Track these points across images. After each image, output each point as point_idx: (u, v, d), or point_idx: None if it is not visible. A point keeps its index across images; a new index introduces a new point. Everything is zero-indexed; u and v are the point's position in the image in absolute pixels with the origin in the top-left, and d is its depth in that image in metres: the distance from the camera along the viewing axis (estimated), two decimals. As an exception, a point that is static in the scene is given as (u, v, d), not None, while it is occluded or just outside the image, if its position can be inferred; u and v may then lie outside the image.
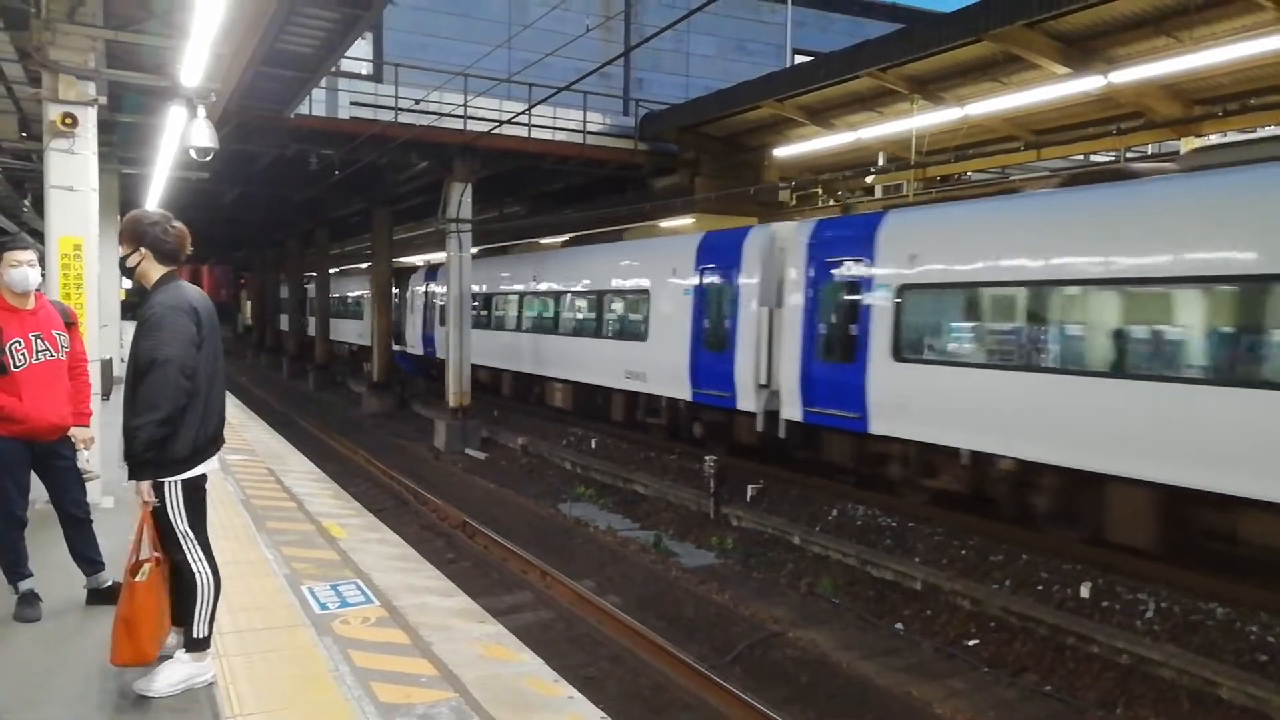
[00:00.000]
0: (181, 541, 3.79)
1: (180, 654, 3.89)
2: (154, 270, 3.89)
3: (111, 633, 3.73)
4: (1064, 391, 8.61)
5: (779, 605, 9.05)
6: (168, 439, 3.66)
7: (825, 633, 8.29)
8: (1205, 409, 7.57)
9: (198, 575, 3.81)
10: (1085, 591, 8.22)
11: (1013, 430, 9.11)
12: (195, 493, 3.85)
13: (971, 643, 8.04)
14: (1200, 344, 7.89)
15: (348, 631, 4.83)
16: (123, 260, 3.92)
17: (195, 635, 3.85)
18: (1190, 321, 8.06)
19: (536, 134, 17.74)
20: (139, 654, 3.74)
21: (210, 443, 3.87)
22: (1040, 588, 8.54)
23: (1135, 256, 8.15)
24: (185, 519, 3.78)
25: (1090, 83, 11.67)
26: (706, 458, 12.38)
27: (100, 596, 4.87)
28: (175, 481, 3.74)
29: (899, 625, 8.56)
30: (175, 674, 3.84)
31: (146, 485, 3.69)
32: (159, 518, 3.77)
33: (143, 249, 3.87)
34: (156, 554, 3.77)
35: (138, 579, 3.71)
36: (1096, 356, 8.54)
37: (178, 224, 3.95)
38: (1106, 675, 7.21)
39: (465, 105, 16.48)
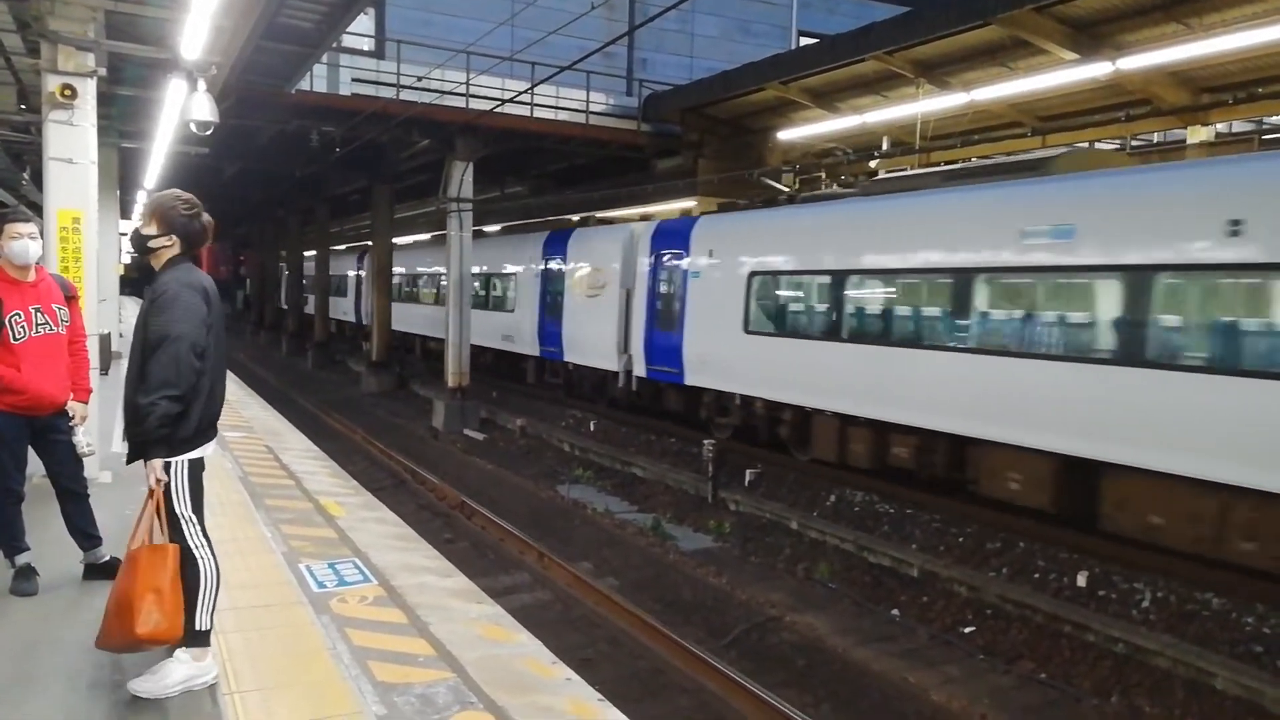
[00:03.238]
0: (184, 526, 3.67)
1: (180, 652, 3.74)
2: (170, 253, 3.79)
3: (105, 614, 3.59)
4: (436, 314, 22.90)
5: (776, 589, 9.07)
6: (180, 416, 3.56)
7: (822, 617, 8.31)
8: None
9: (200, 561, 3.69)
10: (1082, 580, 8.24)
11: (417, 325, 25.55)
12: (197, 475, 3.75)
13: (968, 630, 8.06)
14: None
15: (345, 610, 4.83)
16: (147, 239, 3.74)
17: (197, 627, 3.69)
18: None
19: (539, 113, 17.64)
20: (126, 638, 3.56)
21: (210, 425, 3.79)
22: (1037, 576, 8.56)
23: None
24: (189, 502, 3.67)
25: (1098, 69, 11.59)
26: (705, 442, 12.38)
27: (97, 571, 4.86)
28: (182, 461, 3.65)
29: (895, 611, 8.58)
30: (174, 674, 3.68)
31: (160, 463, 3.58)
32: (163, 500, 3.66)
33: (174, 236, 3.76)
34: (164, 539, 3.64)
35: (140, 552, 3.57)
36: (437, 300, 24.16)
37: (207, 215, 3.89)
38: (1102, 664, 7.23)
39: (467, 83, 16.36)
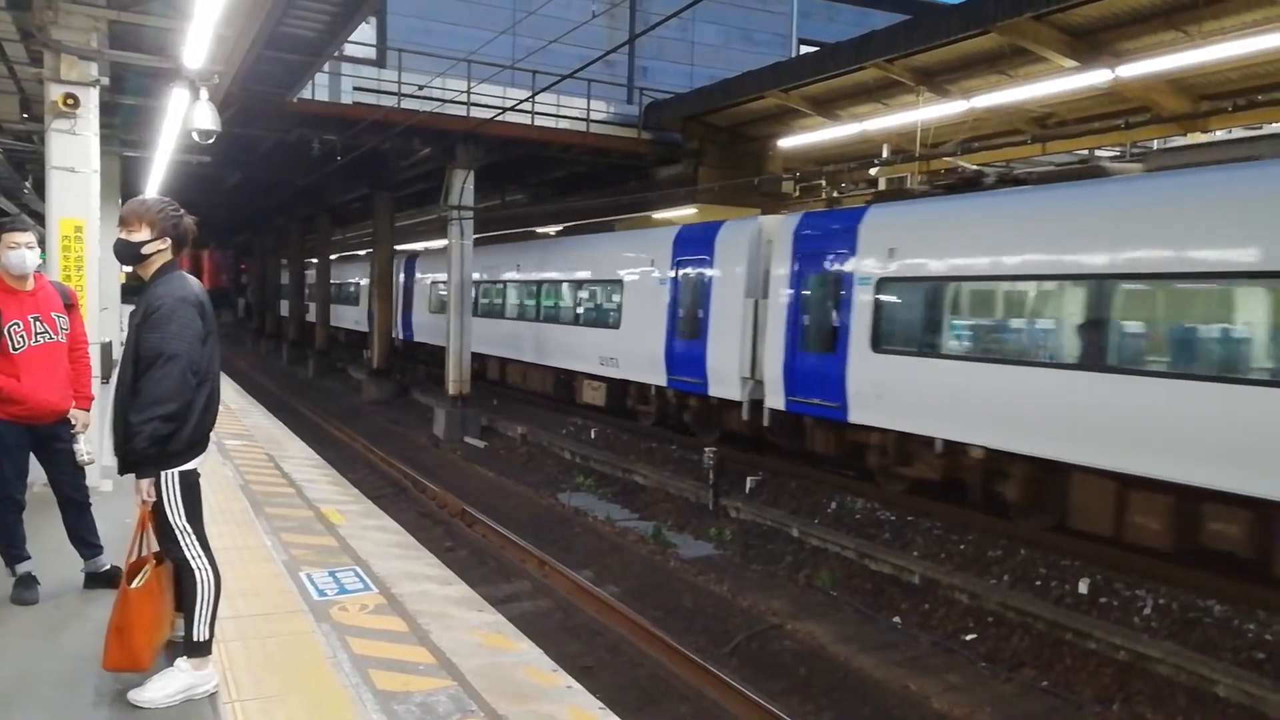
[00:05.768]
0: (180, 537, 3.65)
1: (180, 661, 3.73)
2: (161, 259, 3.73)
3: (105, 637, 3.65)
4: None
5: (777, 597, 9.06)
6: (171, 435, 3.53)
7: (823, 625, 8.30)
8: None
9: (197, 573, 3.67)
10: (1084, 588, 8.23)
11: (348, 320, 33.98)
12: (191, 487, 3.70)
13: (969, 637, 8.04)
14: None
15: (346, 618, 4.83)
16: (138, 245, 3.67)
17: (195, 638, 3.70)
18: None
19: (540, 122, 17.66)
20: (132, 661, 3.66)
21: (202, 438, 3.75)
22: (1038, 583, 8.54)
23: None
24: (183, 514, 3.64)
25: (1097, 76, 11.61)
26: (706, 449, 12.38)
27: (98, 580, 4.86)
28: (172, 474, 3.61)
29: (897, 619, 8.56)
30: (173, 683, 3.68)
31: (147, 483, 3.55)
32: (156, 514, 3.65)
33: (168, 239, 3.71)
34: (155, 552, 3.69)
35: (133, 585, 3.64)
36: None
37: (188, 215, 3.87)
38: (1104, 671, 7.21)
39: (468, 92, 16.40)
